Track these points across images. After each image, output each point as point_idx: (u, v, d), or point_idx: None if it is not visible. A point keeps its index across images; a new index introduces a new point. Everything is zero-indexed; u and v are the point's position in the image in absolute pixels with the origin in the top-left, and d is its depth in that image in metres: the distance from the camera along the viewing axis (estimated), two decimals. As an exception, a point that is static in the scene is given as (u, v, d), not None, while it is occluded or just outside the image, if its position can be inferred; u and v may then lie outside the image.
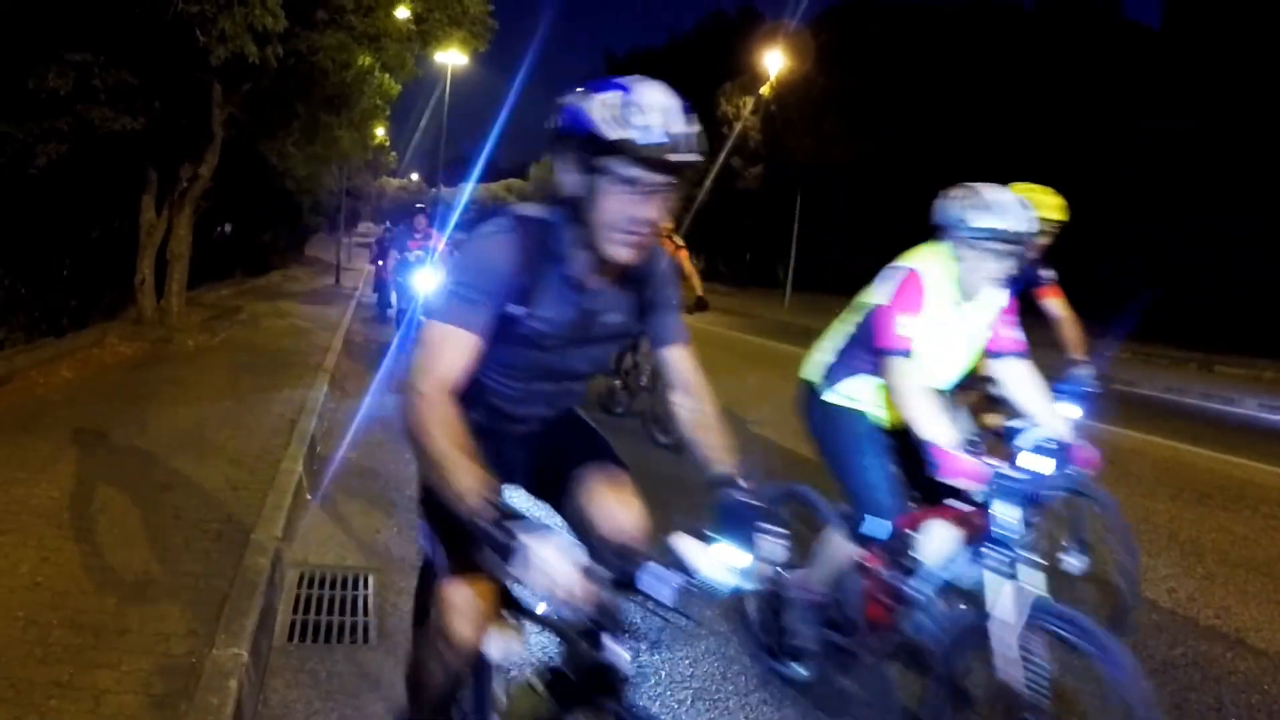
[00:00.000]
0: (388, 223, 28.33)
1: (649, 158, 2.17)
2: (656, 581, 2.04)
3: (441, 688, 2.75)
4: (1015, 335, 3.96)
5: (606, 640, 2.15)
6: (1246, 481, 8.94)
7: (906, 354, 3.64)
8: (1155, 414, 13.08)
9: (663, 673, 4.28)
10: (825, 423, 4.16)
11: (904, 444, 3.90)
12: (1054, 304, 5.98)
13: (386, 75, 16.50)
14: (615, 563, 2.10)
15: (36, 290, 11.16)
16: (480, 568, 2.39)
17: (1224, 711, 4.24)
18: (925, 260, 3.79)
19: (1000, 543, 3.22)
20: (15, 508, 5.44)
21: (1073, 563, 5.12)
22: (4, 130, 10.65)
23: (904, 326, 3.66)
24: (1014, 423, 3.70)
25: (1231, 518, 7.53)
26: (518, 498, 2.82)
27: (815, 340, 4.31)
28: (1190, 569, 6.18)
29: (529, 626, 2.74)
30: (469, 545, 2.07)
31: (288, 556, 5.31)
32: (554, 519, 2.75)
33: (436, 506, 2.28)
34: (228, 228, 27.39)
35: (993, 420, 5.82)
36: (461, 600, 2.56)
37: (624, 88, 2.21)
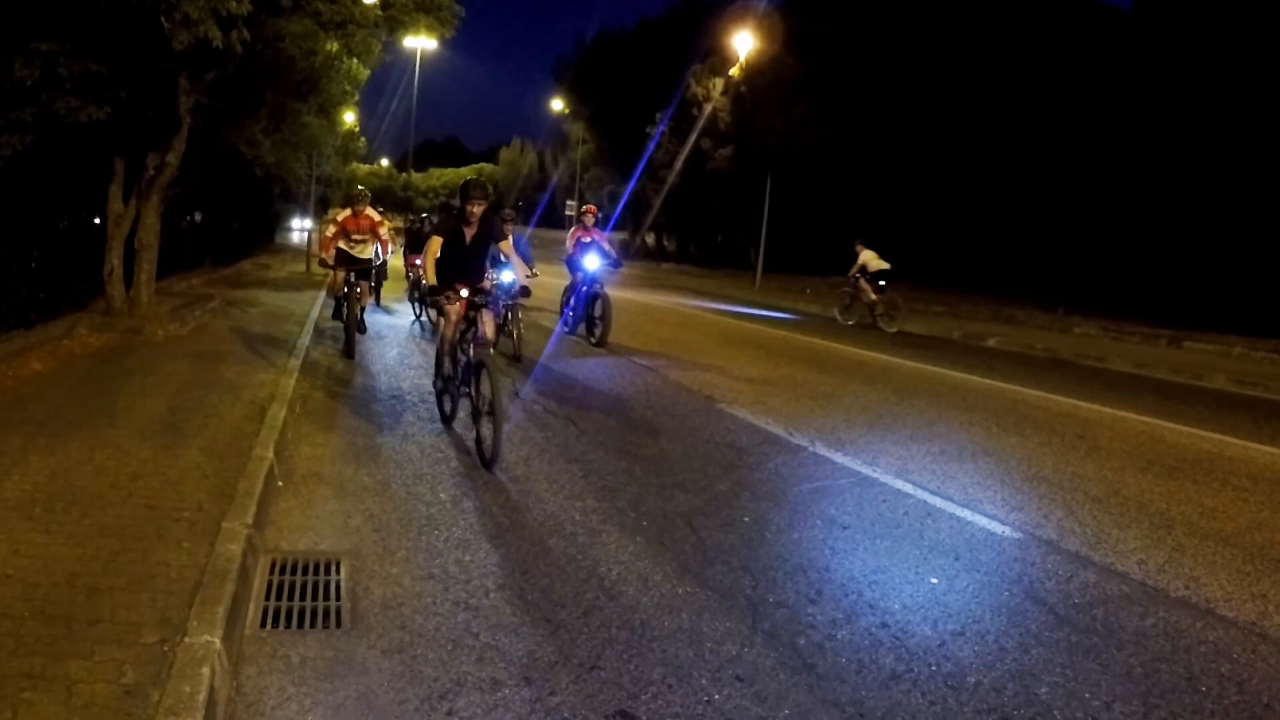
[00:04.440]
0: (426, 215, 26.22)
1: None
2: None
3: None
4: None
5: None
6: (1216, 455, 9.02)
7: None
8: (1126, 389, 13.19)
9: (634, 650, 4.30)
10: None
11: None
12: None
13: (354, 61, 16.43)
14: None
15: (4, 282, 11.04)
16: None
17: (1195, 681, 4.28)
18: None
19: None
20: (-15, 500, 5.41)
21: None
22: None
23: None
24: None
25: (1201, 490, 7.60)
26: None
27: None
28: (1160, 541, 6.24)
29: None
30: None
31: (259, 543, 5.30)
32: None
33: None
34: (197, 216, 27.18)
35: None
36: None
37: None
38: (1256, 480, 8.06)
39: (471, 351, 8.10)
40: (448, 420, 9.04)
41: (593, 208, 16.77)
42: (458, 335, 8.52)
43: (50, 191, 13.42)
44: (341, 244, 14.25)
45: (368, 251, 14.59)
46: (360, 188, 15.25)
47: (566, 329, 16.52)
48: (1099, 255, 28.62)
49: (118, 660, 3.67)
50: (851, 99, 37.08)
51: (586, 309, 15.82)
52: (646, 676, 4.08)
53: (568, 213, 61.69)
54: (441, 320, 9.06)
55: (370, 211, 14.49)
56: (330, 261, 13.96)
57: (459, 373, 8.60)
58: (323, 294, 21.91)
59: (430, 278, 8.35)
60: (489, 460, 7.37)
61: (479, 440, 7.81)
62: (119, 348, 11.57)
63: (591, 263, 15.68)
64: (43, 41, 10.55)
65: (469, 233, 8.65)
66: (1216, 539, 6.37)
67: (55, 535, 4.95)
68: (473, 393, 7.97)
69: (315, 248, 26.42)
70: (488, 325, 8.46)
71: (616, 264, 16.14)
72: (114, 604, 4.17)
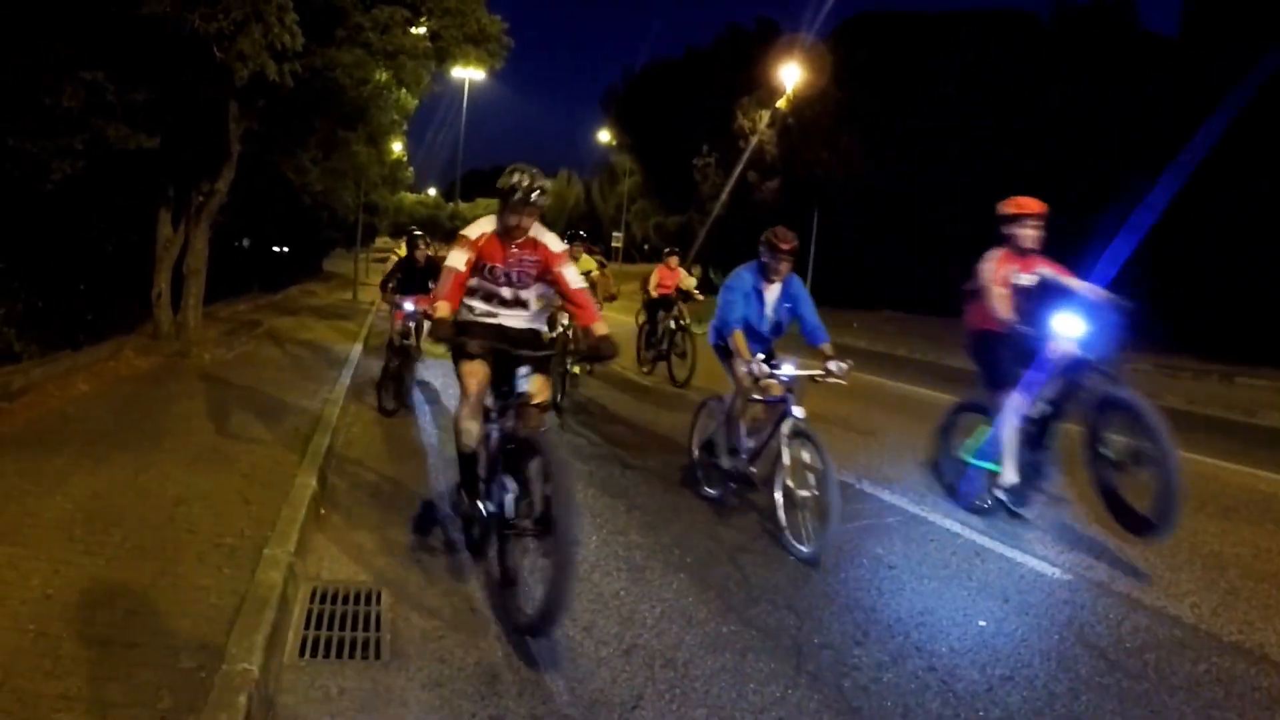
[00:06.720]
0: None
1: None
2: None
3: None
4: None
5: None
6: (1271, 495, 8.81)
7: None
8: (1178, 427, 12.93)
9: (677, 689, 4.22)
10: None
11: None
12: None
13: (403, 91, 16.55)
14: None
15: (53, 304, 11.16)
16: None
17: (1249, 730, 4.16)
18: None
19: None
20: (28, 520, 5.43)
21: None
22: (19, 146, 10.65)
23: None
24: None
25: (1256, 532, 7.42)
26: None
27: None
28: (1213, 584, 6.09)
29: None
30: None
31: (300, 571, 5.27)
32: None
33: None
34: (245, 243, 27.50)
35: None
36: None
37: None
38: (1314, 523, 7.87)
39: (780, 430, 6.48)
40: (703, 483, 7.68)
41: (1038, 203, 7.27)
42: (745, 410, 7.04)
43: (99, 214, 13.56)
44: (474, 305, 5.74)
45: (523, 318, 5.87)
46: (524, 179, 5.29)
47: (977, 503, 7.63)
48: (1148, 288, 28.24)
49: (154, 684, 3.65)
50: (898, 131, 36.93)
51: (1099, 467, 6.98)
52: (689, 717, 3.99)
53: (613, 245, 58.98)
54: (733, 390, 7.16)
55: (545, 237, 5.63)
56: (445, 335, 5.18)
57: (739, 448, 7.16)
58: (369, 322, 21.83)
59: (742, 350, 6.72)
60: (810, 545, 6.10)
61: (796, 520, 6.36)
62: (165, 371, 11.67)
63: (1068, 328, 6.86)
64: (90, 70, 10.67)
65: (769, 294, 7.26)
66: (1272, 581, 6.21)
67: (96, 556, 4.96)
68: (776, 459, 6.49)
69: (367, 287, 26.20)
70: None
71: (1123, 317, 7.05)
72: (152, 628, 4.16)
